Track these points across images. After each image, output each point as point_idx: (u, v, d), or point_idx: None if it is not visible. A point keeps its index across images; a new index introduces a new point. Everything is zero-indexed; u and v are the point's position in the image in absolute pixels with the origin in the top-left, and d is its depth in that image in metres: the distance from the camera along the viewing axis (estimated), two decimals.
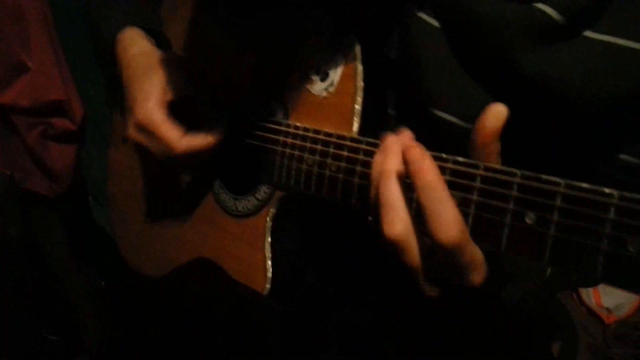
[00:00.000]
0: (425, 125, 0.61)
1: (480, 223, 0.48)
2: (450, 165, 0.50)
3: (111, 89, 1.08)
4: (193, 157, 0.74)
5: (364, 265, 0.77)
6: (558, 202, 0.43)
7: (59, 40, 1.05)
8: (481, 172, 0.48)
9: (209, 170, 0.81)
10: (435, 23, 0.57)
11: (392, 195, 0.47)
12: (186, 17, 0.88)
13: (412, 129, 0.63)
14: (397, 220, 0.47)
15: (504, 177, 0.46)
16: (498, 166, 0.47)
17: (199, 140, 0.73)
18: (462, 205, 0.49)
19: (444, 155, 0.50)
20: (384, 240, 0.47)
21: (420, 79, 0.58)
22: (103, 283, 1.56)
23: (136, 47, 0.79)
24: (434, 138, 0.56)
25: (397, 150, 0.48)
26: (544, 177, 0.44)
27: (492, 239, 0.47)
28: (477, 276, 0.47)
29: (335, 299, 0.81)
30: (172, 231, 0.88)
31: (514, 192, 0.46)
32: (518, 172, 0.46)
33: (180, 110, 0.76)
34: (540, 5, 0.51)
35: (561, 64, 0.50)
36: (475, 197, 0.48)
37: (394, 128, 0.65)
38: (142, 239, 0.96)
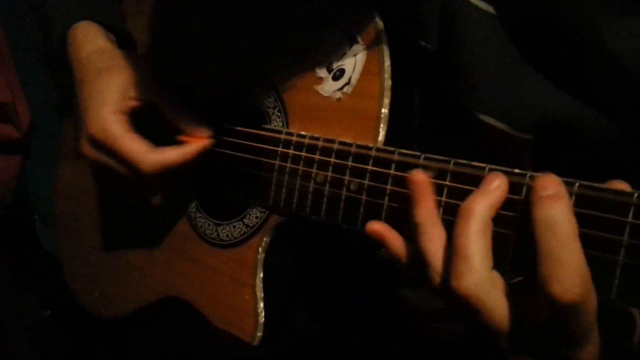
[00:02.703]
0: (462, 134, 0.52)
1: None
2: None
3: (61, 93, 0.95)
4: (164, 176, 0.63)
5: (369, 305, 0.66)
6: None
7: (5, 40, 0.98)
8: (575, 189, 0.36)
9: (184, 189, 0.69)
10: (487, 8, 0.48)
11: (469, 243, 0.38)
12: (154, 10, 0.75)
13: (443, 139, 0.54)
14: (467, 272, 0.37)
15: (612, 197, 0.35)
16: (599, 185, 0.36)
17: (171, 155, 0.62)
18: None
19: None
20: (450, 294, 0.38)
21: (463, 75, 0.49)
22: (49, 312, 1.42)
23: (91, 44, 0.69)
24: (472, 149, 0.48)
25: (494, 187, 0.40)
26: None
27: (595, 282, 0.35)
28: (592, 347, 0.38)
29: (332, 344, 0.69)
30: (135, 264, 0.76)
31: (630, 219, 0.34)
32: (634, 192, 0.34)
33: (146, 121, 0.64)
34: None
35: None
36: None
37: (421, 139, 0.54)
38: (95, 271, 0.84)
